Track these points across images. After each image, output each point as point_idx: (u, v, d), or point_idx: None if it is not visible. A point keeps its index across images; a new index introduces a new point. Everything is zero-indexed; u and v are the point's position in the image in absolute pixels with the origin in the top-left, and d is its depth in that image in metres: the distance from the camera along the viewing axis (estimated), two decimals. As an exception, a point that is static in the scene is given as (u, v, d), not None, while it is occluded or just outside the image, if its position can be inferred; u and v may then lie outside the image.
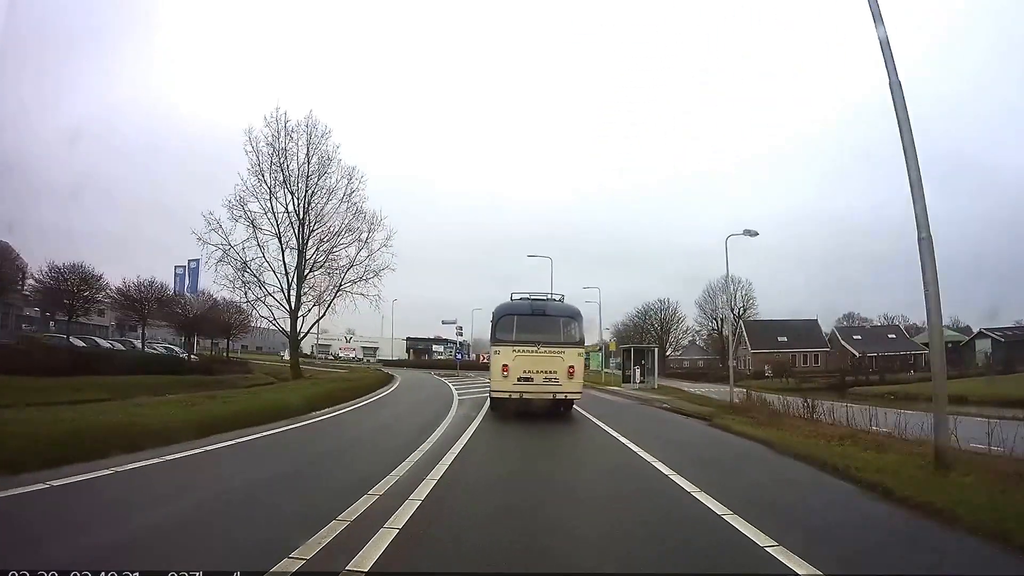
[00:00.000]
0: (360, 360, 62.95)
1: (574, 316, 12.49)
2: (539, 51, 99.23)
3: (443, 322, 48.46)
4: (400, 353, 64.47)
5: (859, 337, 59.42)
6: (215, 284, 24.73)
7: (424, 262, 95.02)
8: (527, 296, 12.80)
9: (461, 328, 46.16)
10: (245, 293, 24.51)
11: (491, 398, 12.60)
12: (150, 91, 65.24)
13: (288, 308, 24.92)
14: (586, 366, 32.28)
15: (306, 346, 69.35)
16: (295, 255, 25.02)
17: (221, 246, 23.46)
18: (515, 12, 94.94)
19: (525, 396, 11.47)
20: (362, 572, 3.22)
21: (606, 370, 36.51)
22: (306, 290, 25.26)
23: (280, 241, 24.72)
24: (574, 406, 12.76)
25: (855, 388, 32.47)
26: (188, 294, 27.43)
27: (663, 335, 61.45)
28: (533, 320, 12.02)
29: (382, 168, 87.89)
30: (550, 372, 11.44)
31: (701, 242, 78.09)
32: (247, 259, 23.96)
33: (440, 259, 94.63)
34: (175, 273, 25.37)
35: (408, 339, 67.14)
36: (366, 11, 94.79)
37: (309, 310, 25.81)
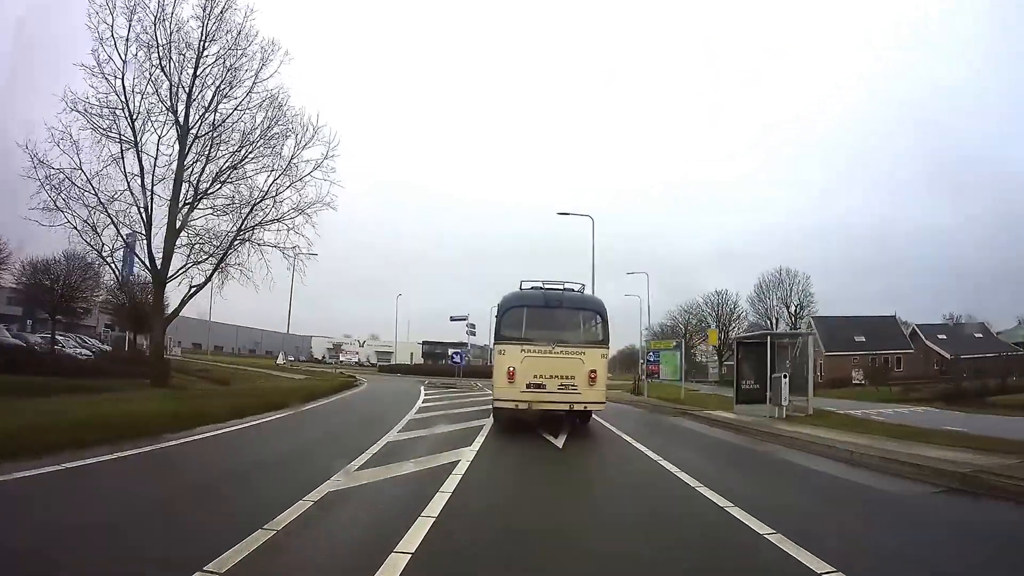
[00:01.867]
0: (352, 364, 57.59)
1: (597, 310, 10.65)
2: (540, 58, 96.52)
3: (452, 319, 41.64)
4: (417, 358, 59.05)
5: (944, 336, 51.37)
6: (49, 229, 15.01)
7: (440, 268, 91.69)
8: (540, 285, 10.85)
9: (474, 326, 40.01)
10: (101, 244, 15.56)
11: (494, 407, 10.58)
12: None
13: (149, 265, 15.71)
14: (653, 373, 24.46)
15: (318, 351, 64.46)
16: (168, 183, 15.53)
17: (66, 170, 14.51)
18: (514, 16, 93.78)
19: (535, 406, 9.74)
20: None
21: (685, 386, 21.70)
22: (188, 242, 16.17)
23: (139, 155, 15.16)
24: None
25: (996, 397, 24.99)
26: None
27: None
28: (547, 314, 10.40)
29: (385, 174, 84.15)
30: (566, 377, 9.70)
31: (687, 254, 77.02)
32: (99, 190, 14.90)
33: (453, 265, 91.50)
34: (123, 253, 18.07)
35: (424, 343, 61.22)
36: (367, 19, 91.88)
37: (207, 271, 16.50)
